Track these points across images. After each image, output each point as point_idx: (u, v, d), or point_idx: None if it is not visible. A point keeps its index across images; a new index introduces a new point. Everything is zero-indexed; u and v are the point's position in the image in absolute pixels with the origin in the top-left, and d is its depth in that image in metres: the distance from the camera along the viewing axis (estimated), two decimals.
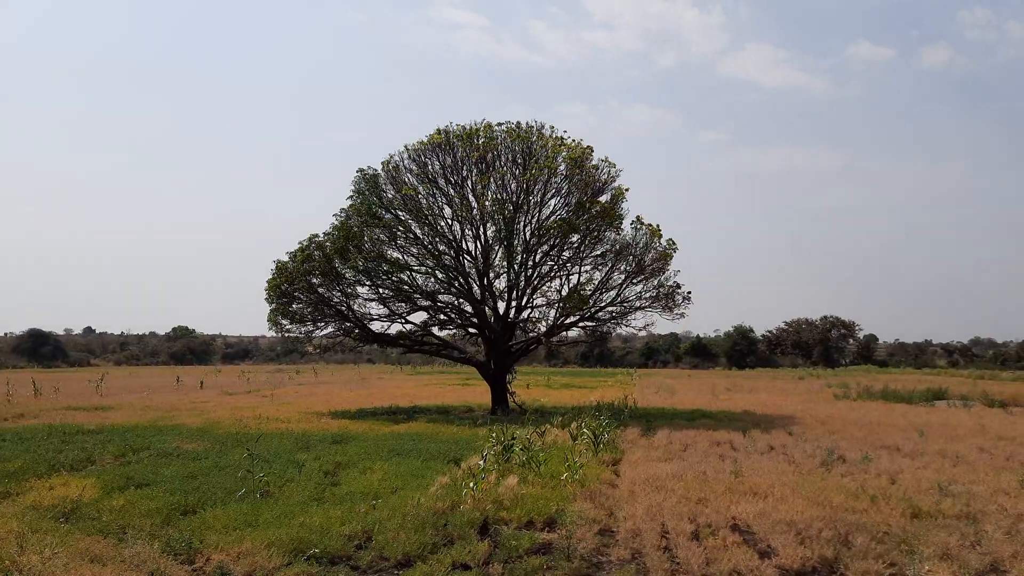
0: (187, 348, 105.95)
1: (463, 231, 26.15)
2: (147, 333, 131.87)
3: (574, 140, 25.63)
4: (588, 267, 26.83)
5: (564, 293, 26.46)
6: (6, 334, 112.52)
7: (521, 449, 13.56)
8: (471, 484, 10.68)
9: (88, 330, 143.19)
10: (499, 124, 25.41)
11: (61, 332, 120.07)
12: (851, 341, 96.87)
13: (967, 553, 8.11)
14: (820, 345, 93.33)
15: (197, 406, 28.30)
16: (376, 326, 27.35)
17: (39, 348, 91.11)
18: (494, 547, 8.41)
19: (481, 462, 12.02)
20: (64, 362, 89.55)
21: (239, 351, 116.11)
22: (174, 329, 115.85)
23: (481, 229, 25.94)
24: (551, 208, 26.05)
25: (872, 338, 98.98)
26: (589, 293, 26.27)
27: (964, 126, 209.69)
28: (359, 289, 26.57)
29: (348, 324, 26.71)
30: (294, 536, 8.42)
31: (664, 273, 26.30)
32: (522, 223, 25.75)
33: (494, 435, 14.48)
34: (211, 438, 17.76)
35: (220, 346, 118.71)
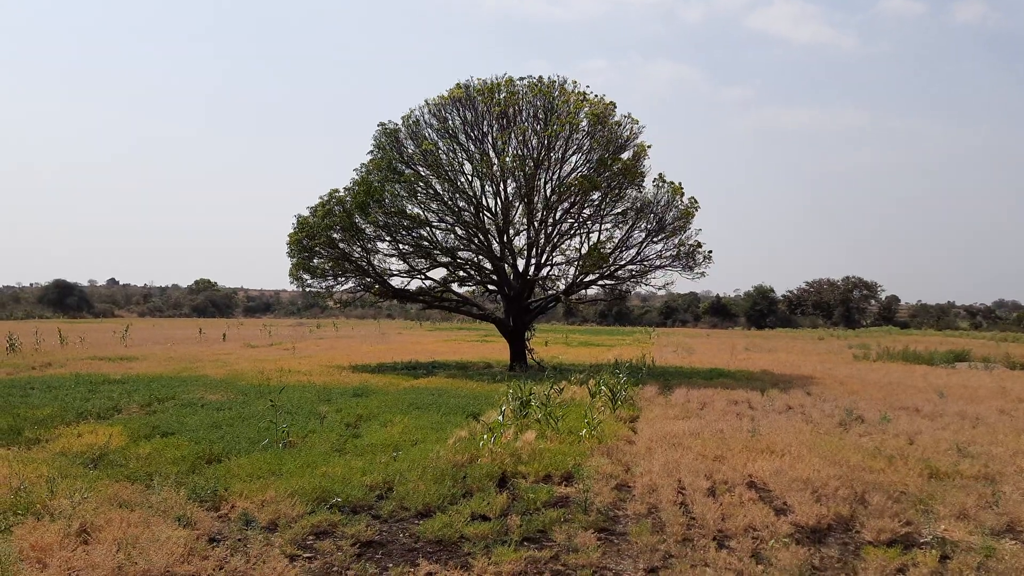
0: (209, 301, 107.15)
1: (483, 187, 26.03)
2: (170, 285, 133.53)
3: (596, 95, 25.32)
4: (608, 225, 26.72)
5: (584, 251, 26.38)
6: (32, 284, 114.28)
7: (539, 405, 13.67)
8: (490, 438, 10.81)
9: (112, 281, 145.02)
10: (521, 79, 25.12)
11: (85, 283, 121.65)
12: (872, 302, 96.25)
13: (984, 513, 8.13)
14: (841, 306, 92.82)
15: (220, 358, 28.70)
16: (396, 282, 27.46)
17: (64, 299, 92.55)
18: (512, 500, 8.54)
19: (500, 417, 12.13)
20: (89, 313, 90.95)
21: (261, 304, 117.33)
22: (196, 282, 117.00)
23: (501, 186, 25.80)
24: (572, 165, 25.83)
25: (894, 299, 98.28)
26: (609, 251, 26.17)
27: (994, 84, 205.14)
28: (379, 245, 26.63)
29: (368, 279, 26.82)
30: (317, 485, 8.58)
31: (685, 232, 26.11)
32: (543, 180, 25.58)
33: (512, 391, 14.59)
34: (234, 389, 18.03)
35: (242, 299, 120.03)
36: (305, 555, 6.81)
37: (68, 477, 8.76)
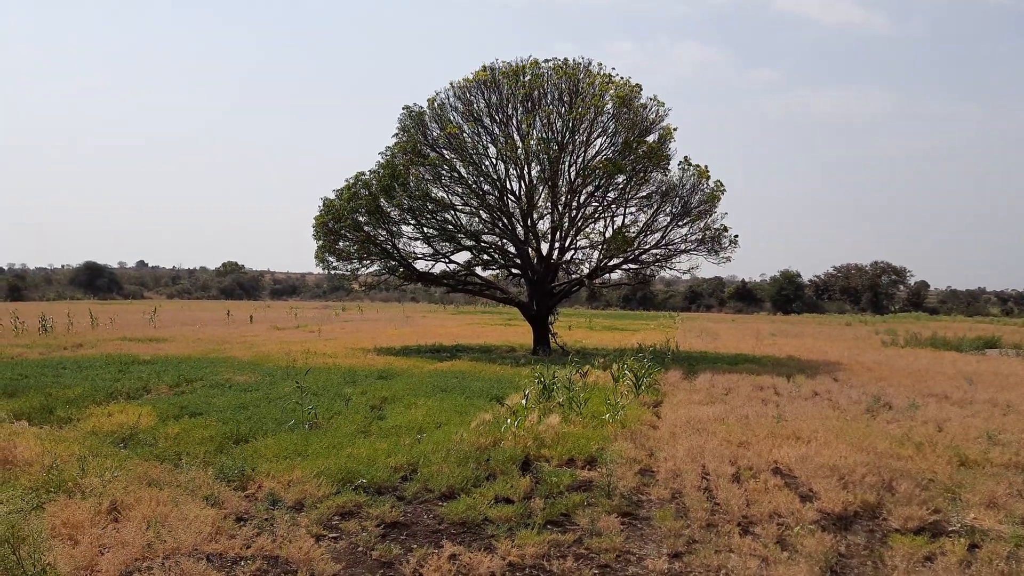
0: (236, 283, 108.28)
1: (507, 171, 25.98)
2: (198, 268, 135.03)
3: (622, 78, 25.12)
4: (633, 209, 26.57)
5: (608, 235, 26.25)
6: (63, 266, 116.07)
7: (563, 389, 13.67)
8: (513, 421, 10.82)
9: (141, 263, 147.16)
10: (546, 61, 25.00)
11: (115, 265, 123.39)
12: (901, 288, 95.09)
13: (1015, 502, 8.01)
14: (869, 291, 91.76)
15: (247, 340, 28.98)
16: (420, 265, 27.56)
17: (95, 280, 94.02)
18: (535, 483, 8.55)
19: (523, 400, 12.13)
20: (119, 294, 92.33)
21: (287, 287, 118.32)
22: (224, 264, 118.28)
23: (526, 169, 25.73)
24: (597, 148, 25.71)
25: (923, 285, 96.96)
26: (633, 235, 26.02)
27: None
28: (404, 228, 26.68)
29: (393, 263, 26.90)
30: (342, 466, 8.65)
31: (711, 215, 25.90)
32: (567, 163, 25.48)
33: (536, 375, 14.58)
34: (261, 371, 18.20)
35: (268, 282, 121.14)
36: (331, 535, 6.88)
37: (99, 456, 8.90)
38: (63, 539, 6.28)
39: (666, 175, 25.94)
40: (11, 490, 7.34)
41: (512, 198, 26.21)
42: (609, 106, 24.80)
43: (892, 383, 18.41)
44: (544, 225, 26.75)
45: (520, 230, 26.42)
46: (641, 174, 25.58)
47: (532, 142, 24.66)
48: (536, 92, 24.72)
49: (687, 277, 28.77)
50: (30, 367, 17.83)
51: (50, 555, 5.62)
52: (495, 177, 25.95)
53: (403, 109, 26.00)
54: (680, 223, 26.11)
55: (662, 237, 26.40)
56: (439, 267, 28.00)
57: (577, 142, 25.20)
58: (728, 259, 26.50)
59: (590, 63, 25.08)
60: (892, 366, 22.94)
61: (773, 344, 32.71)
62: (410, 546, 6.65)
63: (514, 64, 24.82)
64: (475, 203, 26.42)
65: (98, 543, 6.23)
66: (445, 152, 25.87)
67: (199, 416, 11.89)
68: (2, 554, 5.21)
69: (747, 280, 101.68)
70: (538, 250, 26.79)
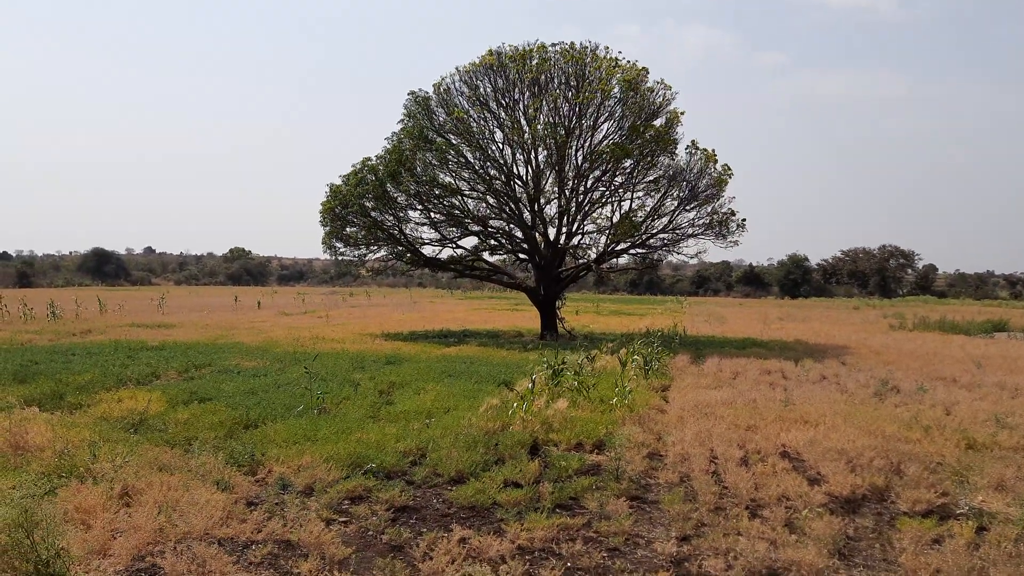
0: (244, 269, 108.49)
1: (514, 156, 25.92)
2: (205, 254, 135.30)
3: (629, 61, 25.00)
4: (640, 193, 26.51)
5: (615, 219, 26.22)
6: (71, 252, 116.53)
7: (571, 373, 13.68)
8: (521, 406, 10.84)
9: (149, 250, 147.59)
10: (552, 45, 24.87)
11: (123, 251, 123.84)
12: (909, 271, 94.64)
13: (1023, 485, 8.01)
14: (877, 275, 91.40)
15: (255, 325, 29.06)
16: (427, 250, 27.56)
17: (103, 267, 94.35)
18: (544, 467, 8.58)
19: (530, 385, 12.15)
20: (127, 281, 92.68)
21: (294, 273, 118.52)
22: (231, 250, 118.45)
23: (532, 154, 25.67)
24: (604, 132, 25.64)
25: (931, 268, 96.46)
26: (641, 220, 25.98)
27: None
28: (411, 213, 26.69)
29: (400, 248, 26.92)
30: (351, 451, 8.68)
31: (718, 199, 25.84)
32: (574, 148, 25.41)
33: (544, 359, 14.59)
34: (269, 356, 18.26)
35: (276, 268, 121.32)
36: (341, 519, 6.92)
37: (109, 441, 8.95)
38: (76, 523, 6.34)
39: (673, 159, 25.87)
40: (24, 475, 7.40)
41: (519, 183, 26.17)
42: (616, 90, 24.70)
43: (900, 367, 18.38)
44: (551, 210, 26.74)
45: (527, 215, 26.40)
46: (648, 158, 25.50)
47: (539, 126, 24.59)
48: (543, 76, 24.61)
49: (694, 261, 28.77)
50: (40, 353, 17.93)
51: (63, 539, 5.66)
52: (502, 162, 25.90)
53: (408, 95, 25.96)
54: (687, 207, 26.07)
55: (669, 221, 26.36)
56: (446, 252, 28.06)
57: (584, 126, 25.12)
58: (735, 243, 26.50)
59: (597, 47, 24.99)
60: (900, 350, 22.89)
61: (781, 328, 32.64)
62: (420, 530, 6.69)
63: (521, 48, 24.72)
64: (482, 188, 26.39)
65: (110, 527, 6.28)
66: (451, 137, 25.81)
67: (208, 402, 11.95)
68: (16, 538, 5.26)
69: (754, 264, 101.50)
70: (545, 235, 26.76)
